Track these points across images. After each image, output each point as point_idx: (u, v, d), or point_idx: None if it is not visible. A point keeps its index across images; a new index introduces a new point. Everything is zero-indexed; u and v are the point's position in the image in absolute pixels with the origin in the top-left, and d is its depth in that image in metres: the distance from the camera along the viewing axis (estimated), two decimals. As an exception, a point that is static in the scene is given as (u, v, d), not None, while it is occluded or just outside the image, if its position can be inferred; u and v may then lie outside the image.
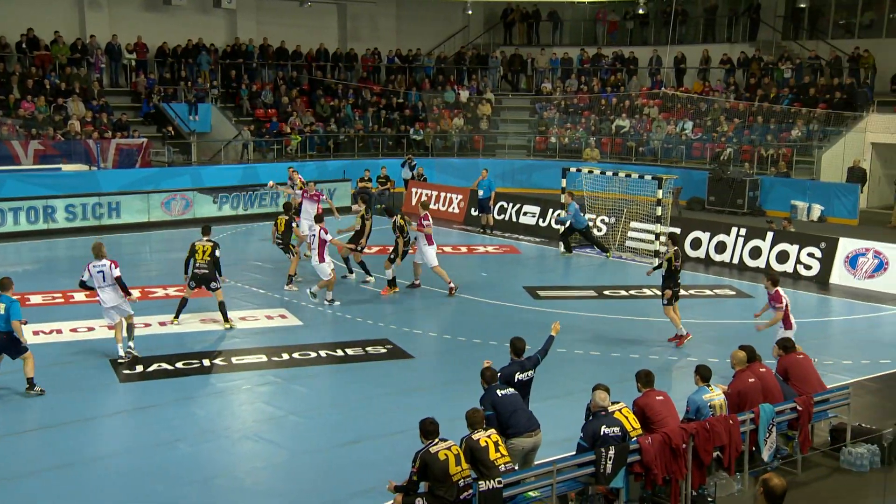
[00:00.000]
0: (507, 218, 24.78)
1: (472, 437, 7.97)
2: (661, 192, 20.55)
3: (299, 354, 13.34)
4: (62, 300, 16.09)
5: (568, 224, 21.21)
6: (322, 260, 15.90)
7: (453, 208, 26.39)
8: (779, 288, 12.55)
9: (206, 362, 12.92)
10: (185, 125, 29.48)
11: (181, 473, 9.44)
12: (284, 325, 15.00)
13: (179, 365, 12.72)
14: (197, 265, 14.50)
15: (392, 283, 17.02)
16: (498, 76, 37.73)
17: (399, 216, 17.42)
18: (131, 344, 13.01)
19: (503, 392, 8.79)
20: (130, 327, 13.02)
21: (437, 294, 17.27)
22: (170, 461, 9.73)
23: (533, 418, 8.78)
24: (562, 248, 21.61)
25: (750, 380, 9.74)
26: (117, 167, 26.20)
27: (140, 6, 31.40)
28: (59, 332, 14.15)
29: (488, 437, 8.01)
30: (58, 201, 22.98)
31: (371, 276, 17.74)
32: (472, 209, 25.58)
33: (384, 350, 13.70)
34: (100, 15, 30.53)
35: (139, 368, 12.51)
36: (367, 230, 17.65)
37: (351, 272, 18.14)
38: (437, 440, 7.91)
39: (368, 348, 13.76)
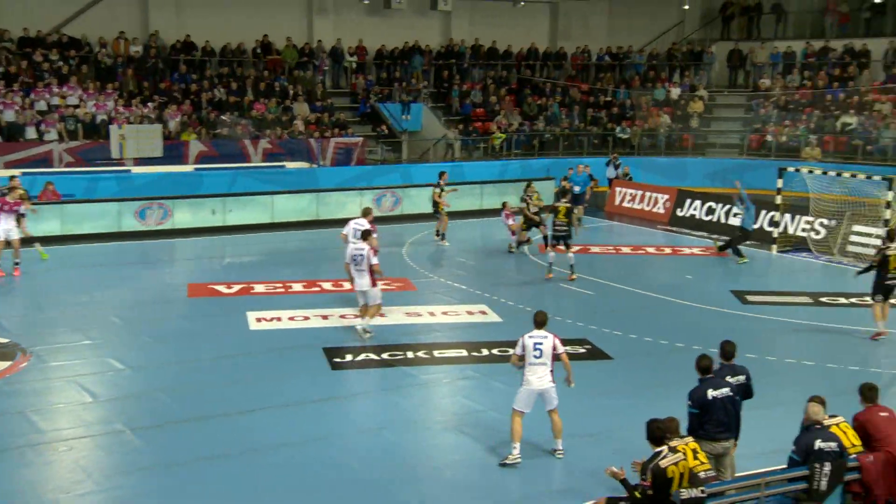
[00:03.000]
0: (715, 219, 23.80)
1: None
2: (891, 193, 18.97)
3: (498, 351, 13.49)
4: (282, 290, 17.19)
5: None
6: (374, 284, 14.23)
7: (658, 208, 25.71)
8: None
9: (410, 354, 13.37)
10: (398, 124, 30.65)
11: (385, 460, 9.84)
12: (485, 321, 15.25)
13: (385, 356, 13.24)
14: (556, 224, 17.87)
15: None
16: (713, 72, 36.27)
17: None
18: (367, 326, 14.05)
19: (714, 394, 8.49)
20: (373, 312, 14.07)
21: (638, 296, 16.91)
22: (375, 448, 10.17)
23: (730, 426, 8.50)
24: (735, 256, 20.19)
25: None
26: (335, 165, 27.69)
27: (363, 11, 32.96)
28: (278, 319, 15.12)
29: (686, 444, 7.73)
30: (280, 197, 24.43)
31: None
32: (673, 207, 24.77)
33: (583, 350, 13.59)
34: (326, 21, 32.37)
35: (349, 357, 13.15)
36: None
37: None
38: (665, 451, 7.47)
39: (567, 347, 13.65)
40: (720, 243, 21.02)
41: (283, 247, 22.01)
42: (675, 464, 7.42)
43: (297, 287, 17.34)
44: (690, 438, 7.93)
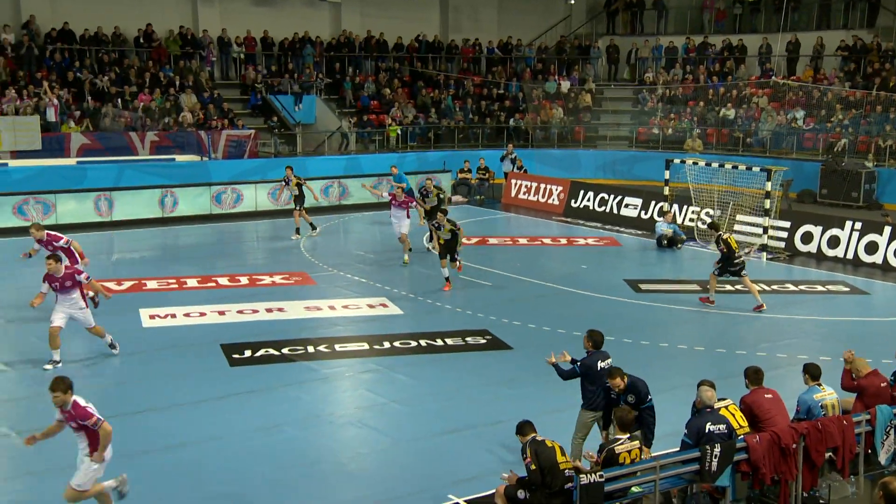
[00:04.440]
0: (608, 210, 24.47)
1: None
2: (769, 184, 19.90)
3: (400, 343, 13.51)
4: (176, 286, 16.73)
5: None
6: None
7: (553, 199, 26.21)
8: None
9: (311, 349, 13.22)
10: (291, 116, 30.21)
11: (286, 457, 9.70)
12: (385, 313, 15.22)
13: (286, 351, 13.07)
14: None
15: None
16: (599, 66, 37.22)
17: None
18: None
19: (602, 364, 9.10)
20: None
21: (536, 286, 17.22)
22: (276, 444, 10.00)
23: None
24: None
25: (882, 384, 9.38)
26: (227, 158, 27.07)
27: (249, 1, 32.28)
28: (173, 316, 14.71)
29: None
30: (172, 191, 23.79)
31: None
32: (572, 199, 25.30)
33: (483, 341, 13.75)
34: (211, 10, 31.56)
35: (247, 353, 12.91)
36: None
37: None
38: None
39: (468, 338, 13.84)
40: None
41: (176, 242, 21.40)
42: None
43: (192, 283, 16.90)
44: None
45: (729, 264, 15.65)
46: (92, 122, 26.52)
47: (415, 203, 19.33)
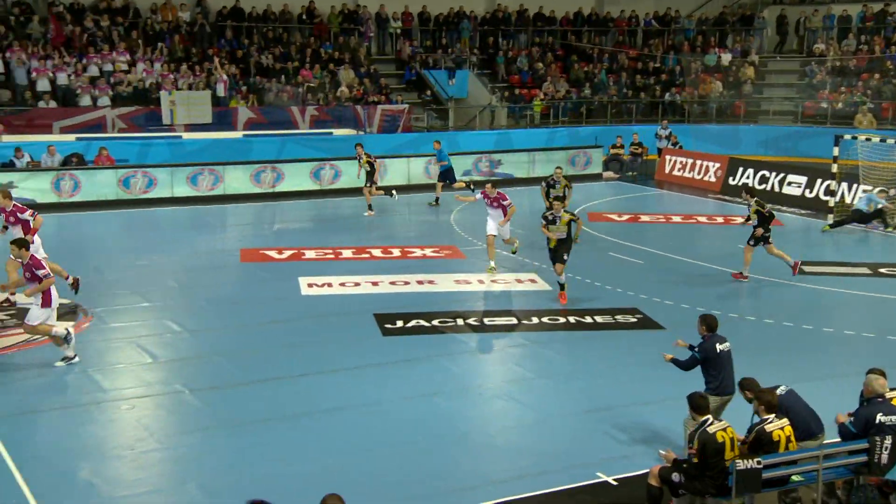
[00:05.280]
0: (769, 188, 23.41)
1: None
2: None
3: (548, 319, 13.48)
4: (332, 256, 17.32)
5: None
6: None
7: (709, 176, 25.34)
8: None
9: (461, 321, 13.37)
10: (444, 91, 30.51)
11: (438, 426, 9.89)
12: (534, 289, 15.21)
13: (436, 322, 13.28)
14: None
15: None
16: (765, 37, 35.46)
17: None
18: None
19: (722, 347, 8.84)
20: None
21: (689, 265, 16.75)
22: (427, 414, 10.21)
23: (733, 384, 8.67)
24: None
25: None
26: (381, 132, 27.70)
27: (407, -24, 32.78)
28: (329, 285, 15.24)
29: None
30: (332, 163, 24.52)
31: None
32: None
33: (634, 319, 13.53)
34: (370, -15, 32.25)
35: (399, 324, 13.23)
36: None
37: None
38: (710, 418, 7.59)
39: (618, 316, 13.65)
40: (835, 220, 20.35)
41: (333, 213, 22.14)
42: (724, 430, 7.49)
43: (347, 253, 17.47)
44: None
45: (766, 231, 15.29)
46: (257, 97, 27.76)
47: (509, 202, 16.05)
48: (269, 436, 9.51)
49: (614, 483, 8.54)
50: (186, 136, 25.38)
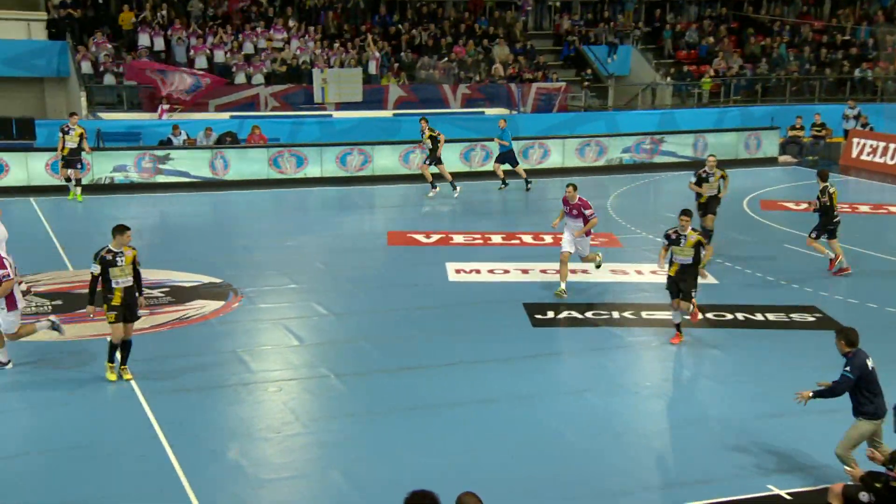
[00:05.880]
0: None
1: None
2: None
3: (714, 315, 12.52)
4: (481, 241, 16.82)
5: None
6: None
7: (900, 162, 23.26)
8: None
9: (616, 314, 12.65)
10: (604, 68, 29.32)
11: (590, 424, 9.34)
12: (700, 282, 14.11)
13: (589, 314, 12.60)
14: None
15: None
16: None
17: None
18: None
19: (871, 363, 7.84)
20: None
21: (879, 260, 15.30)
22: (580, 410, 9.69)
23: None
24: None
25: None
26: (536, 111, 26.90)
27: (568, -53, 31.77)
28: (477, 272, 14.75)
29: None
30: (480, 144, 23.74)
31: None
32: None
33: (811, 318, 12.43)
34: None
35: (550, 314, 12.57)
36: None
37: None
38: None
39: (793, 315, 12.53)
40: None
41: (482, 197, 21.62)
42: None
43: (497, 239, 16.92)
44: None
45: (828, 222, 14.27)
46: (408, 74, 27.53)
47: (592, 210, 13.50)
48: (413, 425, 9.24)
49: (788, 497, 7.80)
50: (336, 115, 25.51)
